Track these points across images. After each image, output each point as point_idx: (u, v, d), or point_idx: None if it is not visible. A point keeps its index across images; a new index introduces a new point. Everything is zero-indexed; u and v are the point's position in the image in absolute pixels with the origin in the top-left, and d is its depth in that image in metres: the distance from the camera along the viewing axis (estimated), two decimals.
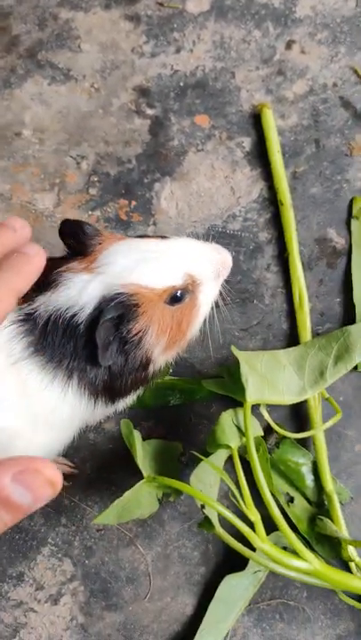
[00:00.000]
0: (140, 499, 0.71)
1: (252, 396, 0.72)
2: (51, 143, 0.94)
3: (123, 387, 0.69)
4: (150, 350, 0.68)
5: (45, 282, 0.66)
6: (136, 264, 0.65)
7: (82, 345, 0.64)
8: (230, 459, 0.79)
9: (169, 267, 0.66)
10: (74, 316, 0.63)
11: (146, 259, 0.65)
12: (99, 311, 0.63)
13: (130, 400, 0.74)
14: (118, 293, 0.63)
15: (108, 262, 0.65)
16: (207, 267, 0.69)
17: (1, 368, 0.65)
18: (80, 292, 0.64)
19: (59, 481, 0.46)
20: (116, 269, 0.65)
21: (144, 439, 0.80)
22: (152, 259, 0.66)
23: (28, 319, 0.65)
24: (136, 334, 0.65)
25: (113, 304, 0.63)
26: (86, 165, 0.94)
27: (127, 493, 0.68)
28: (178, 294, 0.67)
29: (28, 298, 0.66)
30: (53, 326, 0.64)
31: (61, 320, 0.64)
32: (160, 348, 0.69)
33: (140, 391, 0.74)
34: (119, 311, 0.63)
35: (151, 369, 0.70)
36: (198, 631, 0.75)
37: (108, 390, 0.69)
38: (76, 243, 0.68)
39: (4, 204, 0.92)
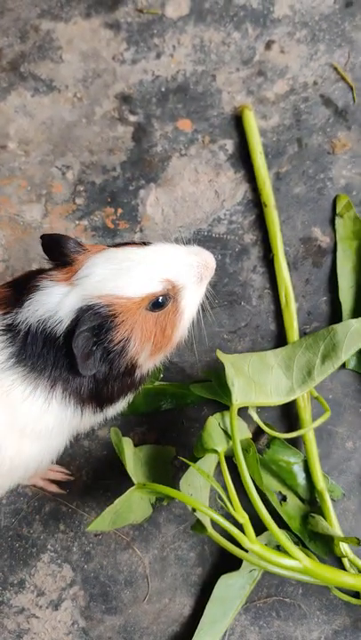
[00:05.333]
0: (132, 505, 0.73)
1: (238, 399, 0.73)
2: (36, 154, 0.96)
3: (110, 394, 0.71)
4: (135, 357, 0.69)
5: (26, 291, 0.67)
6: (112, 274, 0.66)
7: (62, 356, 0.66)
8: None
9: (146, 274, 0.67)
10: (53, 327, 0.65)
11: (123, 268, 0.67)
12: (75, 323, 0.64)
13: (120, 407, 0.76)
14: (94, 304, 0.65)
15: (86, 274, 0.66)
16: (187, 270, 0.70)
17: None
18: (58, 304, 0.65)
19: None
20: (93, 281, 0.66)
21: (137, 445, 0.81)
22: (128, 268, 0.67)
23: (9, 329, 0.66)
24: (118, 343, 0.67)
25: (88, 314, 0.64)
26: (72, 175, 0.95)
27: (118, 500, 0.70)
28: (159, 300, 0.68)
29: (8, 307, 0.68)
30: (34, 337, 0.66)
31: (41, 331, 0.65)
32: (145, 354, 0.70)
33: (129, 397, 0.75)
34: (95, 321, 0.65)
35: (138, 374, 0.72)
36: (196, 631, 0.76)
37: (95, 398, 0.70)
38: (59, 256, 0.69)
39: None
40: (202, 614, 0.77)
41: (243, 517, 0.68)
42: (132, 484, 0.75)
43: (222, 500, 0.69)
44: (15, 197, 0.94)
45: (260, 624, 0.79)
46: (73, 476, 0.84)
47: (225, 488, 0.71)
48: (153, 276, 0.68)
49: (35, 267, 0.89)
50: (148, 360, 0.71)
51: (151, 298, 0.68)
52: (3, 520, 0.83)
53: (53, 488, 0.83)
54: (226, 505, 0.69)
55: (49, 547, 0.82)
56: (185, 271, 0.70)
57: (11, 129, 0.97)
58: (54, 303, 0.66)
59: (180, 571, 0.81)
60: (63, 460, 0.84)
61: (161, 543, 0.82)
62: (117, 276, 0.66)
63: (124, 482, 0.83)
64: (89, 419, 0.73)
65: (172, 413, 0.85)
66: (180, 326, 0.72)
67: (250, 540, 0.68)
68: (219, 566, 0.81)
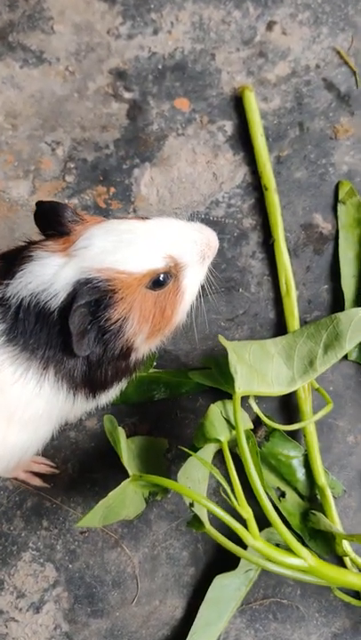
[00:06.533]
0: (126, 499, 0.68)
1: (241, 387, 0.69)
2: (24, 129, 0.90)
3: (103, 378, 0.66)
4: (131, 339, 0.64)
5: (18, 262, 0.62)
6: (113, 247, 0.61)
7: (56, 333, 0.61)
8: (218, 454, 0.75)
9: (149, 249, 0.63)
10: (47, 301, 0.60)
11: (124, 241, 0.62)
12: (72, 297, 0.59)
13: (112, 394, 0.71)
14: (93, 277, 0.60)
15: (84, 245, 0.62)
16: (191, 248, 0.66)
17: None
18: (53, 275, 0.60)
19: None
20: (93, 253, 0.61)
21: (128, 436, 0.76)
22: (130, 241, 0.62)
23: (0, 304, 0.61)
24: (115, 322, 0.62)
25: (86, 288, 0.60)
26: (62, 151, 0.90)
27: (112, 493, 0.65)
28: (160, 278, 0.64)
29: None
30: (26, 312, 0.60)
31: (34, 306, 0.60)
32: (143, 337, 0.65)
33: (122, 384, 0.71)
34: (93, 296, 0.60)
35: (133, 359, 0.67)
36: (189, 635, 0.72)
37: (88, 382, 0.65)
38: (53, 226, 0.64)
39: None
40: (194, 617, 0.73)
41: (247, 512, 0.64)
42: (123, 478, 0.70)
43: (226, 493, 0.64)
44: (1, 173, 0.88)
45: (256, 627, 0.75)
46: (58, 468, 0.79)
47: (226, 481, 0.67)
48: (156, 252, 0.63)
49: None
50: (144, 343, 0.67)
51: (153, 275, 0.63)
52: None
53: (37, 481, 0.77)
54: (230, 499, 0.64)
55: (30, 544, 0.77)
56: (189, 248, 0.66)
57: None
58: (49, 275, 0.61)
59: (171, 571, 0.76)
60: (47, 451, 0.78)
61: (152, 541, 0.77)
62: (118, 248, 0.62)
63: (112, 476, 0.79)
64: (80, 405, 0.68)
65: (166, 403, 0.81)
66: (180, 308, 0.67)
67: (253, 536, 0.64)
68: (213, 566, 0.76)
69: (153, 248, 0.63)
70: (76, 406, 0.67)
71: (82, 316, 0.60)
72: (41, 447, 0.71)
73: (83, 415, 0.74)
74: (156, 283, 0.64)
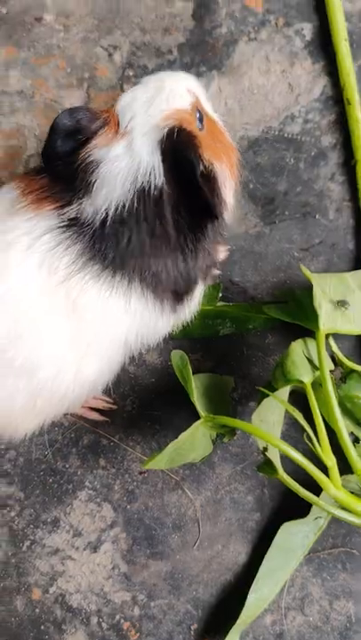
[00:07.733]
0: (195, 441, 0.63)
1: (325, 325, 0.62)
2: (77, 30, 0.81)
3: (191, 275, 0.60)
4: (225, 191, 0.60)
5: (82, 175, 0.55)
6: (155, 92, 0.57)
7: (169, 212, 0.55)
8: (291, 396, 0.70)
9: (179, 87, 0.59)
10: (147, 185, 0.54)
11: (157, 88, 0.58)
12: (171, 163, 0.54)
13: (193, 306, 0.64)
14: (171, 126, 0.55)
15: (132, 114, 0.56)
16: (190, 80, 0.63)
17: (42, 290, 0.55)
18: (131, 159, 0.54)
19: None
20: (145, 112, 0.56)
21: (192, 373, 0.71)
22: (162, 86, 0.58)
23: (72, 224, 0.54)
24: (207, 172, 0.57)
25: (176, 139, 0.54)
26: (120, 57, 0.80)
27: (182, 435, 0.60)
28: (198, 113, 0.60)
29: (60, 195, 0.56)
30: (117, 217, 0.54)
31: (127, 204, 0.54)
32: (226, 176, 0.60)
33: (201, 293, 0.64)
34: (191, 140, 0.55)
35: (219, 227, 0.61)
36: (255, 581, 0.68)
37: (174, 286, 0.59)
38: (83, 132, 0.58)
39: (26, 102, 0.79)
40: (258, 563, 0.69)
41: (331, 460, 0.58)
42: (185, 417, 0.65)
43: (310, 439, 0.58)
44: (53, 80, 0.80)
45: (323, 576, 0.71)
46: (116, 404, 0.74)
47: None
48: (182, 88, 0.60)
49: None
50: (230, 191, 0.61)
51: (195, 108, 0.60)
52: (35, 452, 0.73)
53: (94, 415, 0.73)
54: (313, 445, 0.58)
55: (87, 483, 0.73)
56: (191, 81, 0.63)
57: None
58: (126, 163, 0.55)
59: (235, 515, 0.72)
60: (106, 387, 0.73)
61: (215, 484, 0.72)
62: (160, 93, 0.58)
63: (172, 413, 0.74)
64: (162, 323, 0.61)
65: (231, 340, 0.74)
66: (225, 133, 0.64)
67: (335, 486, 0.59)
68: (279, 512, 0.72)
69: (179, 86, 0.60)
70: (158, 323, 0.61)
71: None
72: (108, 382, 0.65)
73: (159, 337, 0.67)
74: (200, 118, 0.60)
